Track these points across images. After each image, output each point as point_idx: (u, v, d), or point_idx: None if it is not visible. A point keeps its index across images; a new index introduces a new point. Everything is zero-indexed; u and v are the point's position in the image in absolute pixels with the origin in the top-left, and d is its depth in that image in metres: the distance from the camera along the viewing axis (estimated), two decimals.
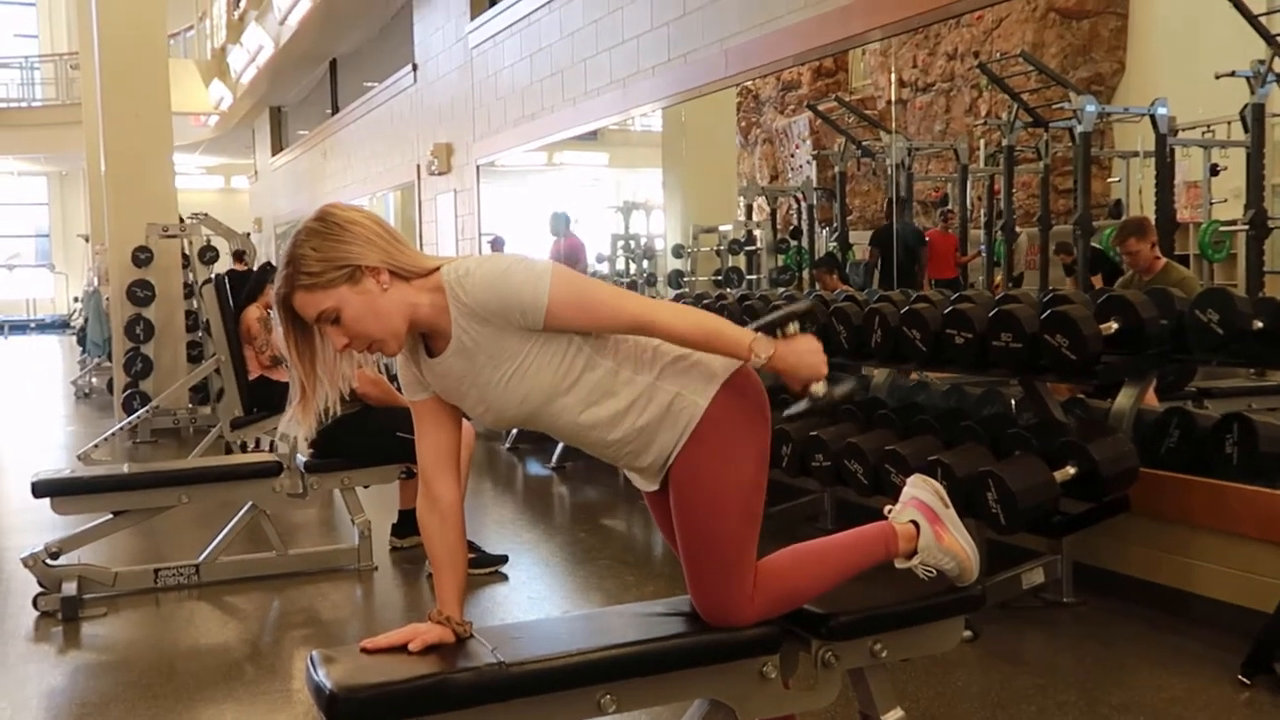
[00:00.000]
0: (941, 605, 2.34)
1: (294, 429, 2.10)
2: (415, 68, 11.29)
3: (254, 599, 4.32)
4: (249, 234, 10.00)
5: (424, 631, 2.07)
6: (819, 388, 2.09)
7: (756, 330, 2.08)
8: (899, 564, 2.32)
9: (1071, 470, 3.45)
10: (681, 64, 6.38)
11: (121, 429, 8.20)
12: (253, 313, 6.96)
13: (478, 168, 9.79)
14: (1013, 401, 4.39)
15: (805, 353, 2.08)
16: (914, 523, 2.31)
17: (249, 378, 6.77)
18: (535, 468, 7.17)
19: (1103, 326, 3.51)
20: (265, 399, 6.79)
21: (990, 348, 3.75)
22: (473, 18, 9.63)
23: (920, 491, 2.35)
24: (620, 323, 2.02)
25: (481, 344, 1.99)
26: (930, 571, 2.32)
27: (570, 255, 9.60)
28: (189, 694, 3.34)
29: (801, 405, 2.14)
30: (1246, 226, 7.19)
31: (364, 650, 2.06)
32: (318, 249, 1.95)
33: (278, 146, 19.88)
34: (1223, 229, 7.74)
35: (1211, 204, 8.59)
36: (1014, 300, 3.87)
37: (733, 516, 2.11)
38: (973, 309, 3.84)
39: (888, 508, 2.38)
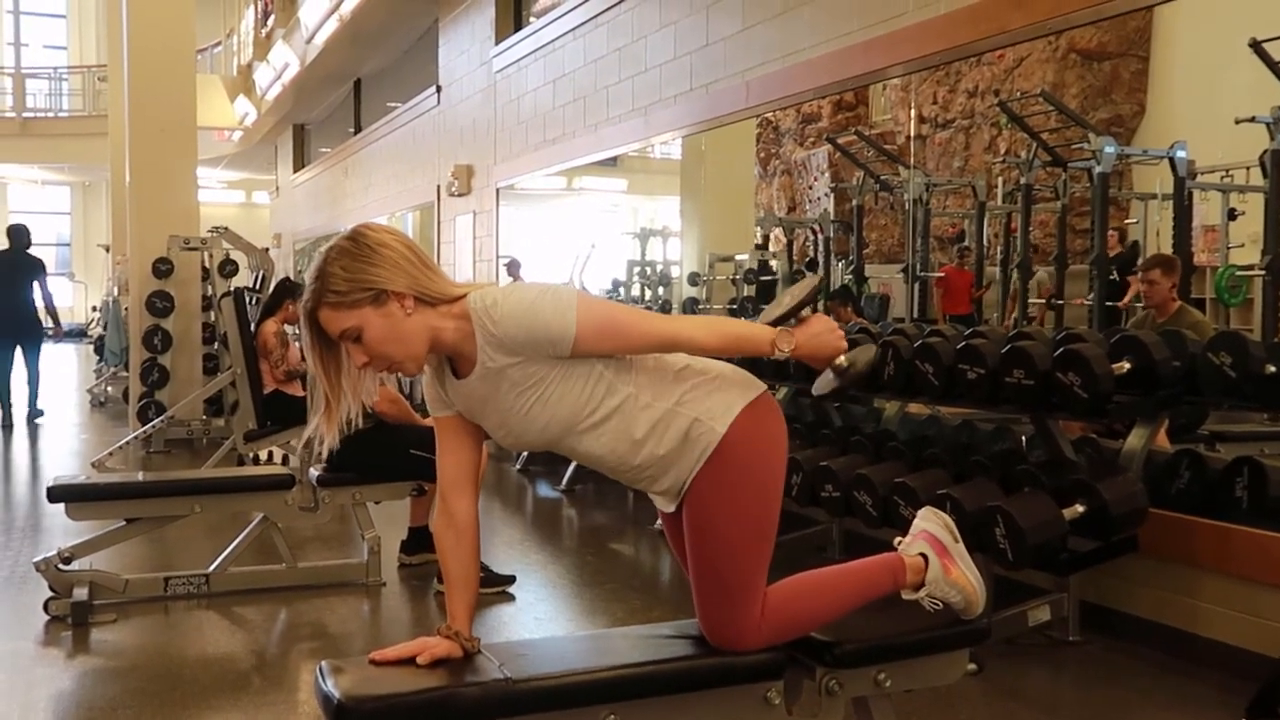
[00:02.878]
0: (946, 638, 2.36)
1: (317, 439, 2.13)
2: (439, 89, 11.40)
3: (262, 610, 4.34)
4: (268, 249, 10.07)
5: (433, 645, 2.09)
6: (843, 360, 2.15)
7: (772, 324, 2.12)
8: (906, 595, 2.33)
9: (1080, 508, 3.46)
10: (703, 94, 6.44)
11: (136, 438, 8.25)
12: (269, 327, 7.01)
13: (497, 190, 9.86)
14: (1024, 439, 4.40)
15: (822, 333, 2.13)
16: (923, 555, 2.33)
17: (264, 391, 6.81)
18: (545, 489, 7.20)
19: (1115, 366, 3.52)
20: (279, 413, 6.84)
21: (1002, 384, 3.76)
22: (497, 42, 9.73)
23: (930, 525, 2.37)
24: (648, 343, 2.06)
25: (506, 372, 2.03)
26: (936, 604, 2.33)
27: None
28: (196, 702, 3.37)
29: (830, 382, 2.18)
30: (1263, 272, 7.20)
31: (373, 662, 2.08)
32: (346, 269, 1.99)
33: (300, 163, 20.05)
34: (1239, 273, 7.75)
35: (1229, 248, 8.61)
36: (1027, 337, 3.89)
37: (744, 542, 2.13)
38: (985, 345, 3.86)
39: (897, 539, 2.40)
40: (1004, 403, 3.83)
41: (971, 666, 2.42)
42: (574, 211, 12.17)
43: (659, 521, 5.90)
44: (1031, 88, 10.05)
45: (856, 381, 2.20)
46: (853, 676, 2.27)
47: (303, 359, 7.52)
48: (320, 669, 2.05)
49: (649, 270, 10.86)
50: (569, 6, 8.17)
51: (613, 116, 7.60)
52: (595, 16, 7.80)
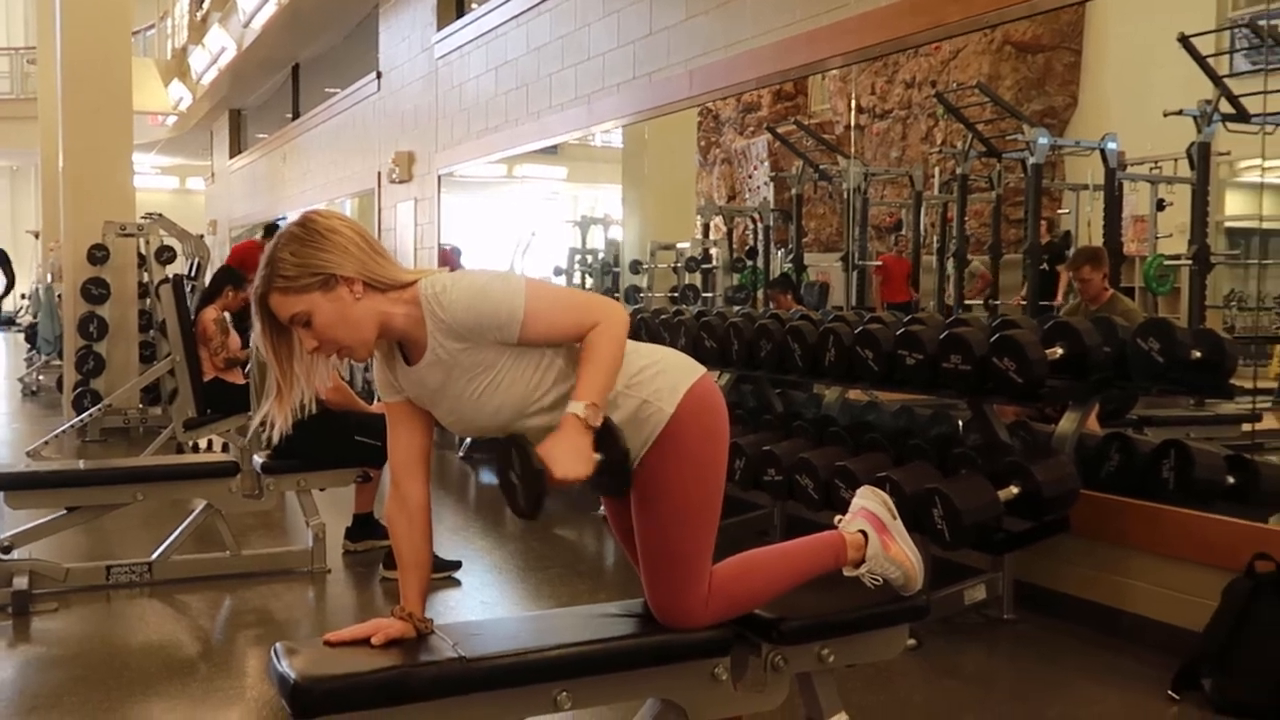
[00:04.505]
0: (887, 613, 2.43)
1: (269, 424, 2.14)
2: (379, 76, 11.31)
3: (206, 598, 4.33)
4: (202, 236, 9.92)
5: (386, 626, 2.12)
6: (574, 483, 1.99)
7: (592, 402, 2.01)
8: (847, 572, 2.40)
9: (1015, 490, 3.56)
10: (646, 83, 6.47)
11: (72, 427, 8.13)
12: (209, 314, 6.96)
13: (439, 177, 9.83)
14: (960, 423, 4.50)
15: (574, 449, 1.97)
16: (862, 532, 2.40)
17: (204, 379, 6.75)
18: (488, 476, 7.21)
19: (1048, 351, 3.63)
20: (219, 401, 6.78)
21: (940, 369, 3.86)
22: (439, 28, 9.68)
23: (869, 502, 2.44)
24: (581, 332, 2.06)
25: (457, 358, 2.06)
26: (877, 580, 2.40)
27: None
28: (140, 689, 3.36)
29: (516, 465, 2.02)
30: (1190, 261, 7.41)
31: (327, 643, 2.11)
32: (296, 254, 2.00)
33: (236, 149, 19.75)
34: (1167, 263, 7.96)
35: (1157, 238, 8.83)
36: (964, 324, 3.99)
37: (692, 521, 2.18)
38: (924, 331, 3.96)
39: (838, 518, 2.47)
40: (942, 387, 3.93)
41: (911, 642, 2.50)
42: (514, 199, 12.14)
43: (601, 507, 5.94)
44: (967, 79, 10.21)
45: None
46: (797, 652, 2.34)
47: (244, 346, 7.48)
48: (274, 650, 2.07)
49: (590, 258, 10.89)
50: None
51: (556, 104, 7.61)
52: (538, 4, 7.80)
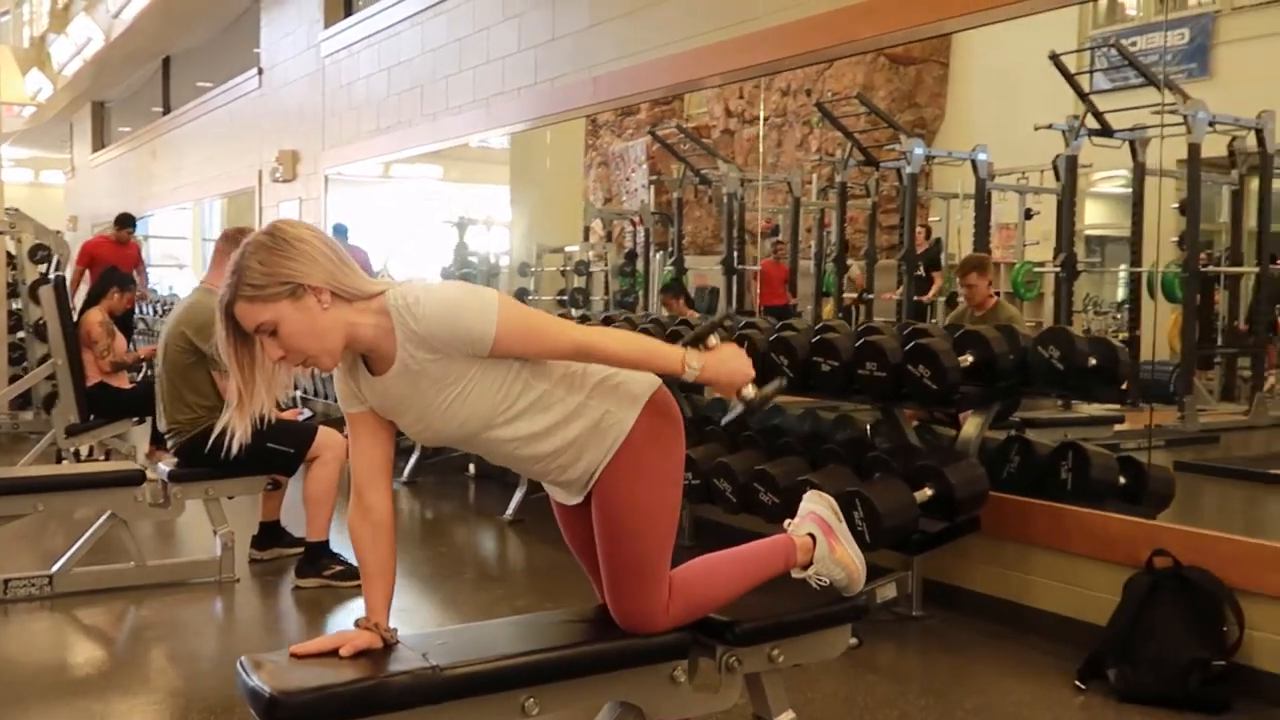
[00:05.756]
0: (834, 614, 2.53)
1: (230, 434, 2.13)
2: (261, 72, 11.07)
3: (111, 611, 4.20)
4: (60, 233, 9.51)
5: (353, 637, 2.12)
6: (749, 390, 2.24)
7: (685, 345, 2.22)
8: (795, 574, 2.49)
9: (929, 491, 3.71)
10: (549, 88, 6.50)
11: None
12: (94, 316, 6.73)
13: (326, 177, 9.67)
14: (868, 426, 4.65)
15: (731, 358, 2.21)
16: (811, 535, 2.49)
17: (88, 384, 6.53)
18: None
19: (960, 359, 3.79)
20: (104, 406, 6.58)
21: (856, 375, 3.99)
22: (326, 26, 9.53)
23: (816, 506, 2.53)
24: (562, 349, 2.10)
25: (426, 369, 2.07)
26: (823, 581, 2.49)
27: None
28: (39, 707, 3.24)
29: (736, 409, 2.29)
30: (1058, 268, 7.79)
31: (294, 655, 2.10)
32: (264, 263, 1.99)
33: (99, 143, 19.04)
34: (1035, 270, 8.35)
35: (1025, 246, 9.24)
36: (876, 331, 4.13)
37: (653, 526, 2.23)
38: (839, 339, 4.08)
39: (788, 521, 2.55)
40: (856, 394, 4.06)
41: (853, 641, 2.58)
42: (390, 199, 11.98)
43: (509, 511, 5.94)
44: (842, 89, 10.50)
45: (759, 409, 2.33)
46: (750, 653, 2.41)
47: (129, 349, 7.25)
48: (241, 664, 2.06)
49: (472, 260, 10.84)
50: None
51: (453, 106, 7.58)
52: (434, 5, 7.75)
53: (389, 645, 2.15)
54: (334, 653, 2.09)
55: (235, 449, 2.18)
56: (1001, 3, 4.04)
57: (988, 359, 3.81)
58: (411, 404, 2.13)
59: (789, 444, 4.31)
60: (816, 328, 4.44)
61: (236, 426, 2.13)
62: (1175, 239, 8.30)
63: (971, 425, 4.06)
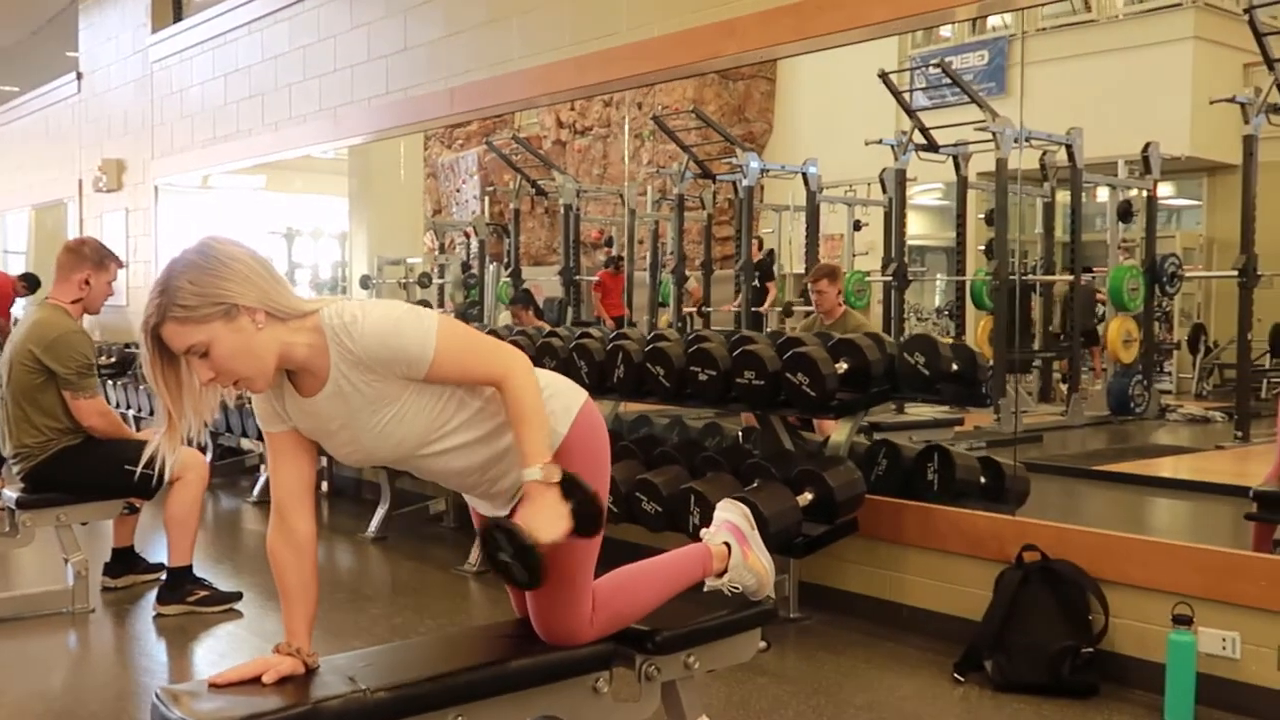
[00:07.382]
0: (745, 619, 2.58)
1: (159, 459, 2.04)
2: (80, 76, 10.53)
3: None
4: None
5: (275, 663, 2.06)
6: (531, 537, 1.95)
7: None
8: (710, 583, 2.53)
9: (810, 495, 3.81)
10: (402, 97, 6.39)
11: None
12: None
13: (156, 188, 9.27)
14: (739, 432, 4.74)
15: (555, 506, 2.00)
16: (726, 544, 2.53)
17: None
18: (228, 502, 6.89)
19: (836, 366, 3.90)
20: None
21: (734, 383, 4.06)
22: (154, 30, 9.14)
23: (730, 514, 2.58)
24: (494, 376, 2.07)
25: (361, 390, 2.02)
26: (736, 588, 2.54)
27: None
28: None
29: (505, 539, 1.98)
30: (890, 278, 8.13)
31: (213, 685, 2.02)
32: (195, 282, 1.92)
33: None
34: (866, 279, 8.69)
35: (854, 255, 9.61)
36: (753, 341, 4.22)
37: (580, 541, 2.23)
38: (716, 348, 4.16)
39: (703, 530, 2.59)
40: (734, 402, 4.14)
41: (762, 644, 2.64)
42: (209, 208, 11.54)
43: (371, 529, 5.80)
44: (672, 102, 10.70)
45: (519, 556, 1.97)
46: (668, 661, 2.44)
47: None
48: (158, 697, 1.97)
49: (307, 272, 10.58)
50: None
51: (297, 115, 7.38)
52: (275, 11, 7.53)
53: (312, 670, 2.09)
54: (256, 680, 2.02)
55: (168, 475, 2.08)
56: (851, 25, 4.18)
57: (861, 366, 3.94)
58: (344, 424, 2.08)
59: (666, 453, 4.35)
60: (650, 336, 4.59)
61: (166, 452, 2.03)
62: (982, 248, 8.81)
63: (842, 430, 4.18)
